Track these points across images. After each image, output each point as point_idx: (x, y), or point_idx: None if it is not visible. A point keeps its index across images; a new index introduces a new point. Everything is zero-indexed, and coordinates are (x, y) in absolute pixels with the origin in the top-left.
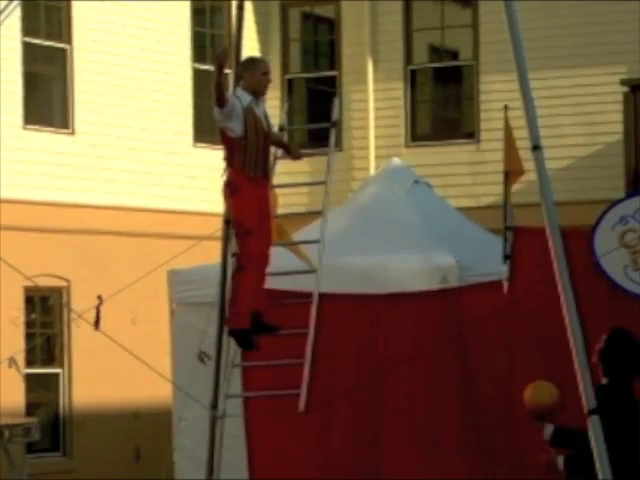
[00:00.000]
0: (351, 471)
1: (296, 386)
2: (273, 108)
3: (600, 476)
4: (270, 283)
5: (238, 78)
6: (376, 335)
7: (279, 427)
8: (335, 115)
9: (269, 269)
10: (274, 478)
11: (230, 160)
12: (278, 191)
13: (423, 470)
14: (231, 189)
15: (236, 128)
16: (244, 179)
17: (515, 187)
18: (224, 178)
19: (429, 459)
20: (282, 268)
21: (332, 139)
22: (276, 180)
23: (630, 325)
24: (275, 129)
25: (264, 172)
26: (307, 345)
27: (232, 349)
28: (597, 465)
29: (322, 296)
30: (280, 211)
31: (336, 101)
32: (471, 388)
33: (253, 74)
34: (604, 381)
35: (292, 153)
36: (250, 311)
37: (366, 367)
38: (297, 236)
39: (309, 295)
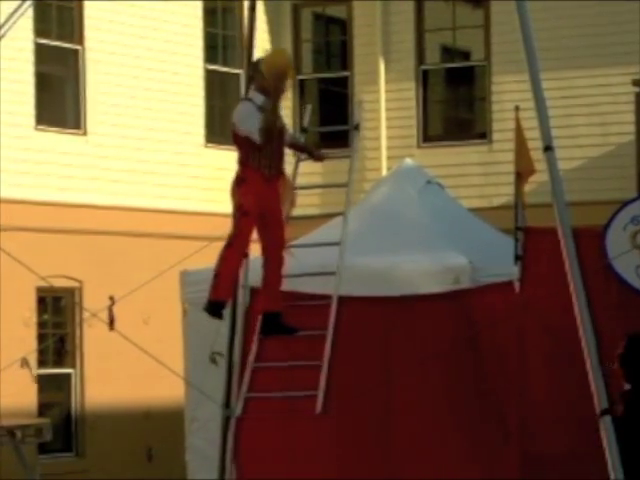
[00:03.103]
0: (363, 471)
1: (304, 388)
2: (285, 109)
3: (612, 477)
4: (285, 285)
5: (250, 79)
6: (390, 337)
7: (287, 432)
8: (357, 117)
9: (285, 271)
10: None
11: (244, 160)
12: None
13: (436, 468)
14: (239, 180)
15: (253, 126)
16: (257, 176)
17: (527, 187)
18: (235, 175)
19: (442, 458)
20: (296, 270)
21: (355, 142)
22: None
23: None
24: (290, 130)
25: (278, 170)
26: (325, 346)
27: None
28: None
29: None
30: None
31: (357, 104)
32: (484, 387)
33: (264, 75)
34: (627, 387)
35: (315, 155)
36: (232, 285)
37: (380, 368)
38: (311, 237)
39: (322, 297)
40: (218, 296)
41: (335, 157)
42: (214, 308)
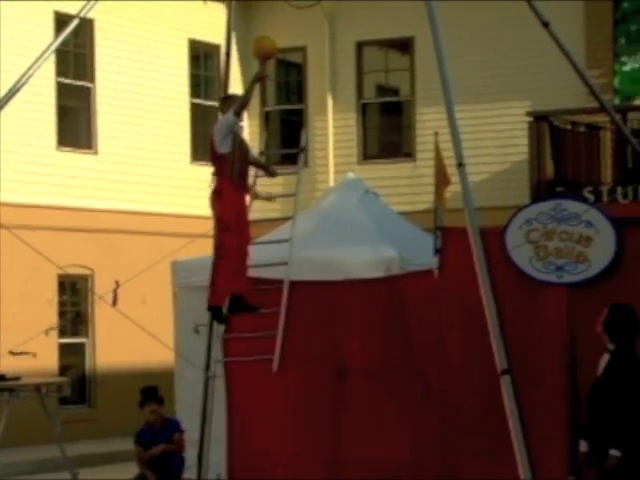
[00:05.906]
0: (316, 422)
1: (265, 353)
2: (254, 134)
3: (511, 428)
4: (251, 272)
5: (221, 110)
6: (335, 313)
7: (257, 388)
8: (303, 142)
9: (249, 261)
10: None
11: (220, 172)
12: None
13: (376, 415)
14: (217, 194)
15: (227, 145)
16: (230, 186)
17: (447, 195)
18: (212, 186)
19: (380, 409)
20: (260, 261)
21: (301, 161)
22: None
23: (533, 303)
24: (255, 151)
25: (245, 182)
26: (280, 321)
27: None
28: (510, 425)
29: (292, 282)
30: (258, 216)
31: (304, 131)
32: (410, 353)
33: (230, 107)
34: (611, 347)
35: (269, 172)
36: (227, 292)
37: (327, 338)
38: (272, 235)
39: (279, 282)
40: (216, 302)
41: (290, 173)
42: (215, 312)
